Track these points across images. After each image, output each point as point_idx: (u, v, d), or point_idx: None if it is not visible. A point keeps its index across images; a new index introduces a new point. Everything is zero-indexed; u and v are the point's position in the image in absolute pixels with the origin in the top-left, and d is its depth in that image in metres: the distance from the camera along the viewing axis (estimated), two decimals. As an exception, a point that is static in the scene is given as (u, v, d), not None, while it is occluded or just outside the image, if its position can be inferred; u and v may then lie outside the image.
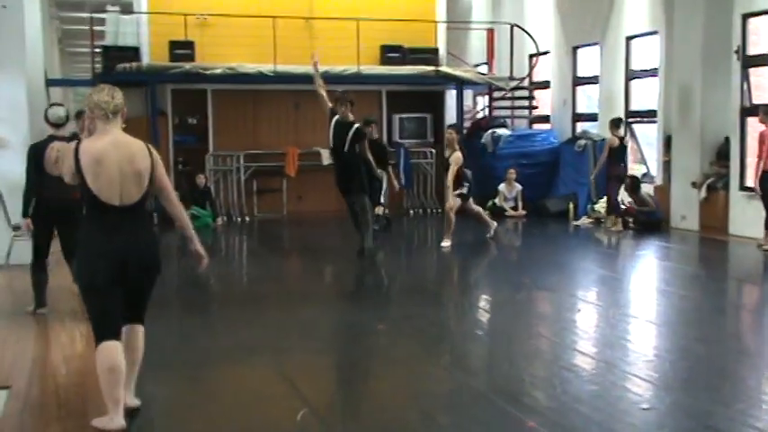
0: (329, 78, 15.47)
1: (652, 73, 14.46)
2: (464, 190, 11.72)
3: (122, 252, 4.68)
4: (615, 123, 13.52)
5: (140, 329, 4.99)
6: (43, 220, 7.45)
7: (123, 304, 4.82)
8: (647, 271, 10.91)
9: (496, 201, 15.37)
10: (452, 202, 11.64)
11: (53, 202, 7.31)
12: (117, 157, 4.67)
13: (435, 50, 16.73)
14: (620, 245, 12.72)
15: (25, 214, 7.50)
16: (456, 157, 11.47)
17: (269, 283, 9.87)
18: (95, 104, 4.72)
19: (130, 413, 4.89)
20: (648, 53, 14.69)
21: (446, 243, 11.63)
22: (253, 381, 5.99)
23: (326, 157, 14.04)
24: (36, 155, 7.42)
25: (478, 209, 12.50)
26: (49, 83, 15.98)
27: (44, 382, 5.70)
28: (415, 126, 16.66)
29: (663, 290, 9.37)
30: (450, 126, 14.14)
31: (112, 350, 4.69)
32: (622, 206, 13.57)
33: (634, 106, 15.22)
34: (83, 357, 6.23)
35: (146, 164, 4.74)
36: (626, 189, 13.58)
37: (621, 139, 13.51)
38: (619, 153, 13.40)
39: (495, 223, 12.39)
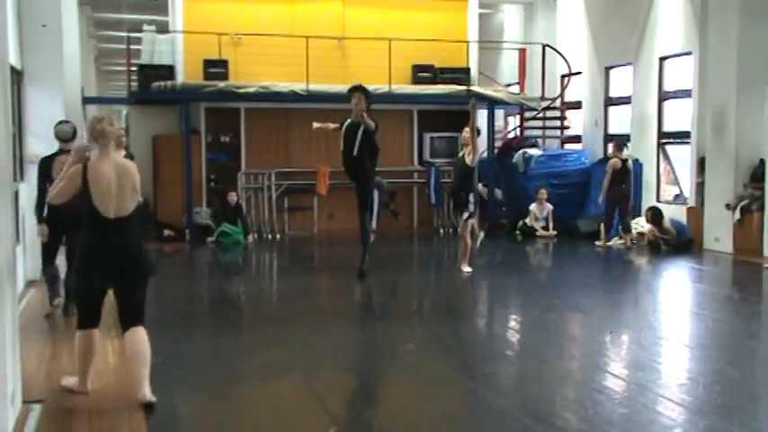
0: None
1: (686, 93, 14.39)
2: (471, 209, 11.00)
3: (119, 257, 5.42)
4: (618, 146, 13.92)
5: (141, 330, 5.54)
6: (53, 226, 8.04)
7: (122, 310, 5.57)
8: (679, 293, 10.78)
9: (527, 221, 15.32)
10: (463, 225, 11.01)
11: (62, 212, 7.66)
12: (116, 175, 5.43)
13: (467, 70, 16.76)
14: (652, 267, 12.59)
15: (40, 221, 8.13)
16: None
17: (299, 301, 9.88)
18: (99, 132, 5.45)
19: (148, 407, 5.33)
20: (682, 73, 14.61)
21: (466, 268, 11.11)
22: (282, 398, 6.01)
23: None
24: (46, 167, 8.09)
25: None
26: (86, 100, 16.24)
27: (77, 397, 5.75)
28: (446, 145, 16.65)
29: (696, 312, 9.26)
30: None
31: (90, 335, 5.60)
32: (645, 229, 13.66)
33: (667, 127, 15.13)
34: (115, 372, 6.30)
35: (137, 179, 5.56)
36: (648, 220, 13.73)
37: (624, 161, 13.74)
38: (621, 175, 13.70)
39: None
